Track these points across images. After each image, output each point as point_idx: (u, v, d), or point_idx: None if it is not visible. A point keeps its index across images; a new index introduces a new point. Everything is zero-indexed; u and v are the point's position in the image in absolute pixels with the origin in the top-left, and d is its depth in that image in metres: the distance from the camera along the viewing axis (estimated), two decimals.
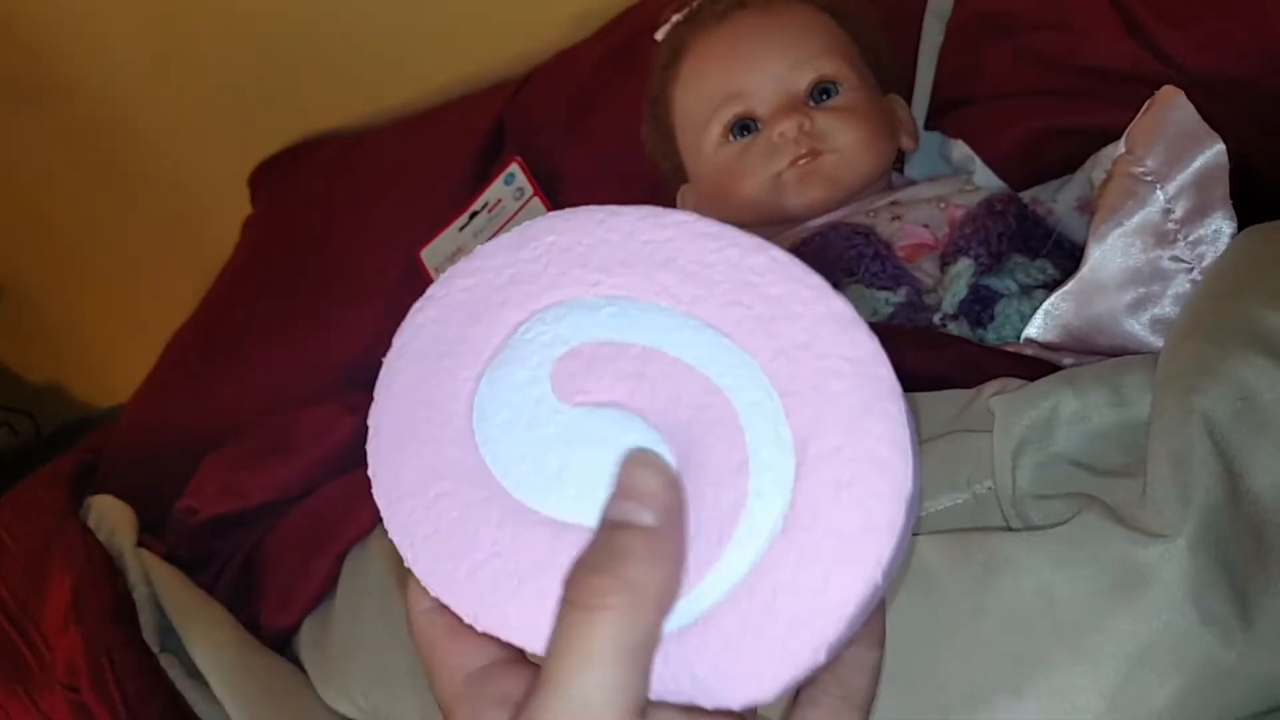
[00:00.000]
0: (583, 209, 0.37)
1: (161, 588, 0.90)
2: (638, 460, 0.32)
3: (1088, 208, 0.77)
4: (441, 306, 0.37)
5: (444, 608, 0.35)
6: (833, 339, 0.33)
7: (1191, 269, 0.59)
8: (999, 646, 0.47)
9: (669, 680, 0.33)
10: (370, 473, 0.36)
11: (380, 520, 0.77)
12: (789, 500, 0.32)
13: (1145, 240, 0.59)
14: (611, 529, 0.32)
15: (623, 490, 0.32)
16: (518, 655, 0.35)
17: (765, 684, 0.31)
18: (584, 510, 0.34)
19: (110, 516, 0.97)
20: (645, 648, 0.31)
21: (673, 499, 0.32)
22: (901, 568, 0.34)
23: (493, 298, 0.36)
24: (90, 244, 1.56)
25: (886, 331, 0.59)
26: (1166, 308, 0.59)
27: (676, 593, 0.32)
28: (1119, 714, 0.45)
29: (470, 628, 0.35)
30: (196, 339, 1.15)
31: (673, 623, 0.32)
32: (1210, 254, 0.58)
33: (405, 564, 0.35)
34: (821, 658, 0.31)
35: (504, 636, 0.34)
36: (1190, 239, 0.59)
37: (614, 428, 0.34)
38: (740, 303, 0.35)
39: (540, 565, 0.34)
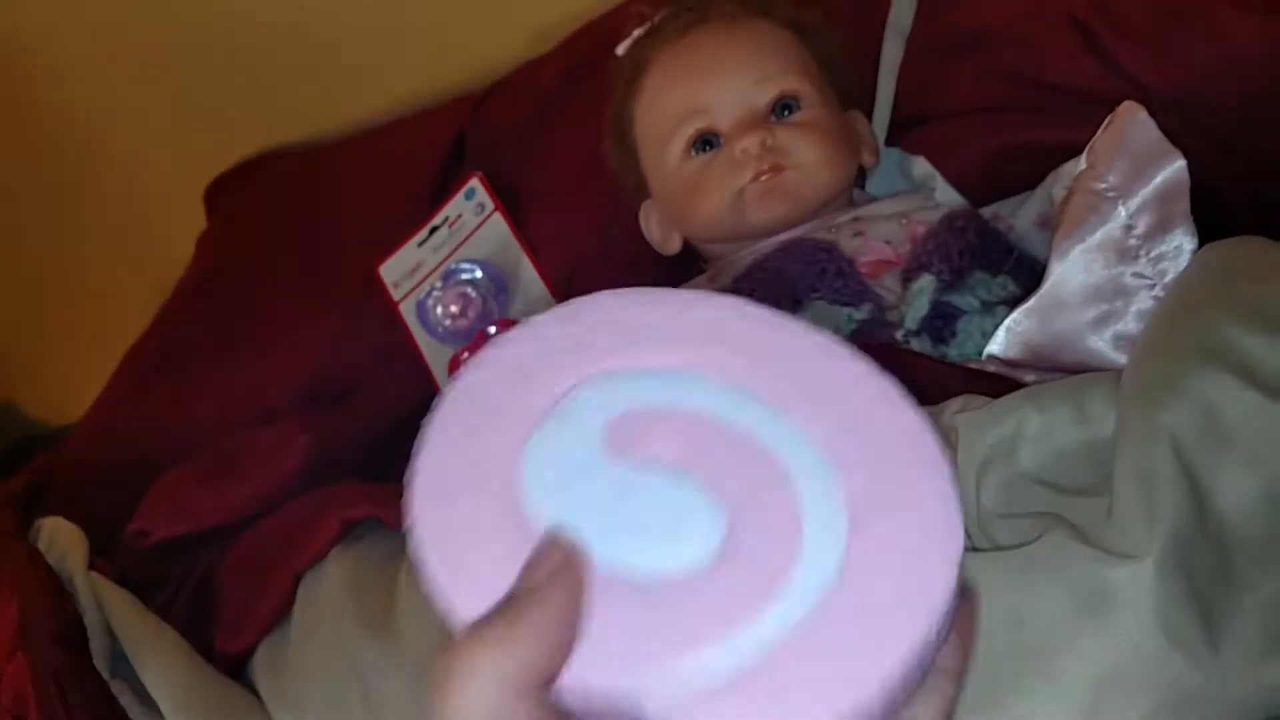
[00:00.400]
0: (633, 289, 0.38)
1: (113, 612, 0.88)
2: (552, 538, 0.33)
3: (1049, 224, 0.77)
4: (489, 370, 0.37)
5: None
6: (883, 413, 0.35)
7: (1154, 285, 0.59)
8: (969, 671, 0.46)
9: None
10: (408, 527, 0.35)
11: (335, 541, 0.77)
12: (841, 559, 0.33)
13: (1107, 256, 0.59)
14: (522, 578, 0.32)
15: (534, 560, 0.32)
16: None
17: None
18: (632, 557, 0.33)
19: (61, 539, 0.95)
20: (528, 687, 0.30)
21: (557, 564, 0.32)
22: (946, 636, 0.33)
23: (542, 363, 0.36)
24: (40, 259, 1.53)
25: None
26: (1129, 324, 0.58)
27: (536, 660, 0.31)
28: None
29: None
30: (150, 357, 1.13)
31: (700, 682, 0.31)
32: (1172, 270, 0.58)
33: (449, 614, 0.33)
34: None
35: None
36: (1152, 255, 0.59)
37: (665, 480, 0.34)
38: (791, 378, 0.36)
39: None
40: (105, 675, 0.85)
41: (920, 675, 0.32)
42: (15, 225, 1.49)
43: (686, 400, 0.36)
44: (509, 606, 0.31)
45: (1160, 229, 0.59)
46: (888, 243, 0.77)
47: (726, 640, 0.32)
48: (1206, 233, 0.60)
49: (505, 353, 0.37)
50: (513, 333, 0.37)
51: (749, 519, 0.34)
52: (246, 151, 1.29)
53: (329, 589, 0.74)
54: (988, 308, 0.71)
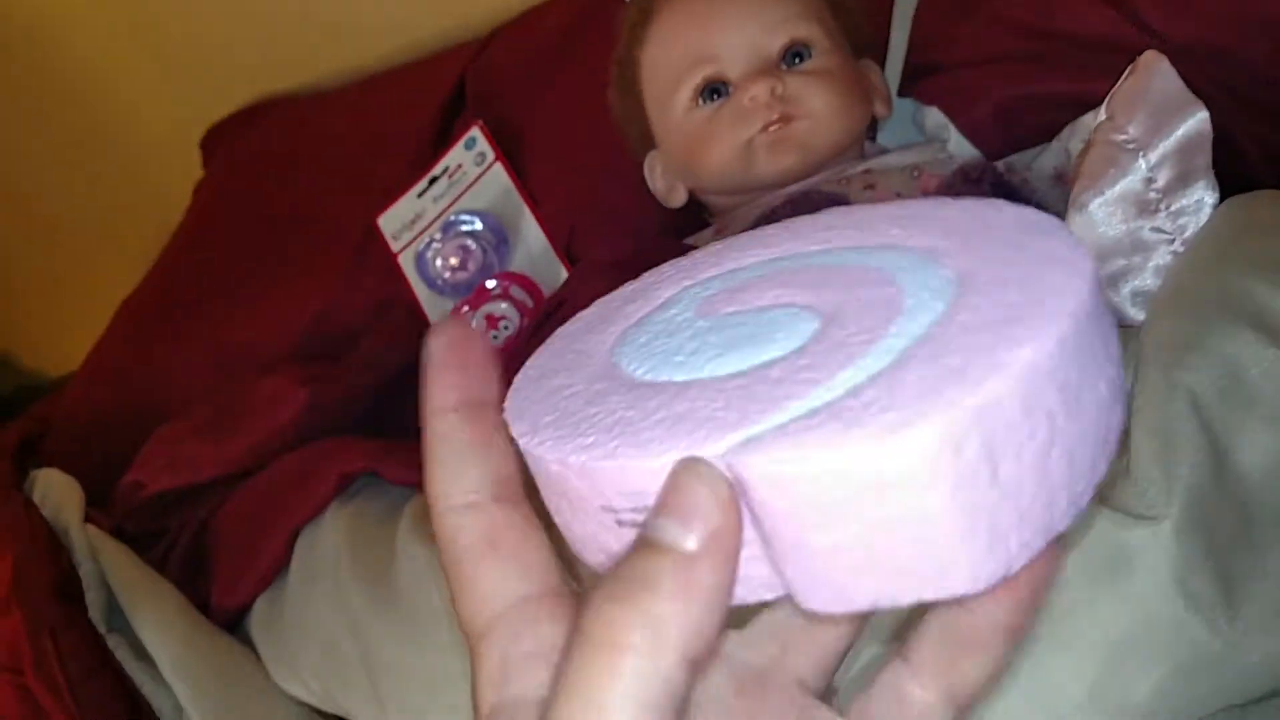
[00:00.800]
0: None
1: (109, 565, 0.87)
2: (690, 469, 0.26)
3: (1065, 178, 0.75)
4: (598, 306, 0.35)
5: (472, 507, 0.30)
6: (984, 213, 0.32)
7: (1173, 240, 0.57)
8: None
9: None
10: (504, 405, 0.32)
11: (333, 496, 0.75)
12: (952, 298, 0.29)
13: (1126, 210, 0.57)
14: (644, 549, 0.26)
15: (665, 504, 0.26)
16: (558, 587, 0.30)
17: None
18: (724, 364, 0.30)
19: (56, 491, 0.94)
20: (666, 701, 0.25)
21: (723, 521, 0.26)
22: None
23: (649, 289, 0.35)
24: (37, 208, 1.51)
25: None
26: (1147, 280, 0.57)
27: (709, 641, 0.26)
28: (1101, 704, 0.43)
29: (507, 543, 0.30)
30: (146, 307, 1.12)
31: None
32: (1192, 225, 0.57)
33: (521, 445, 0.31)
34: (999, 389, 0.25)
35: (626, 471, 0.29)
36: (1172, 209, 0.57)
37: (756, 311, 0.32)
38: (895, 225, 0.33)
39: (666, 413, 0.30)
40: (101, 629, 0.84)
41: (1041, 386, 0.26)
42: (11, 175, 1.47)
43: (775, 269, 0.34)
44: (678, 565, 0.26)
45: (1181, 182, 0.57)
46: (899, 196, 0.75)
47: (810, 394, 0.27)
48: (1226, 187, 0.58)
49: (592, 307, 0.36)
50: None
51: (846, 308, 0.30)
52: (244, 100, 1.27)
53: (327, 545, 0.73)
54: None
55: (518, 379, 0.33)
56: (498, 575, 0.30)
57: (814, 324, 0.30)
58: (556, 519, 0.31)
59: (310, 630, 0.73)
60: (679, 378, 0.30)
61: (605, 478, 0.28)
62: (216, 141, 1.26)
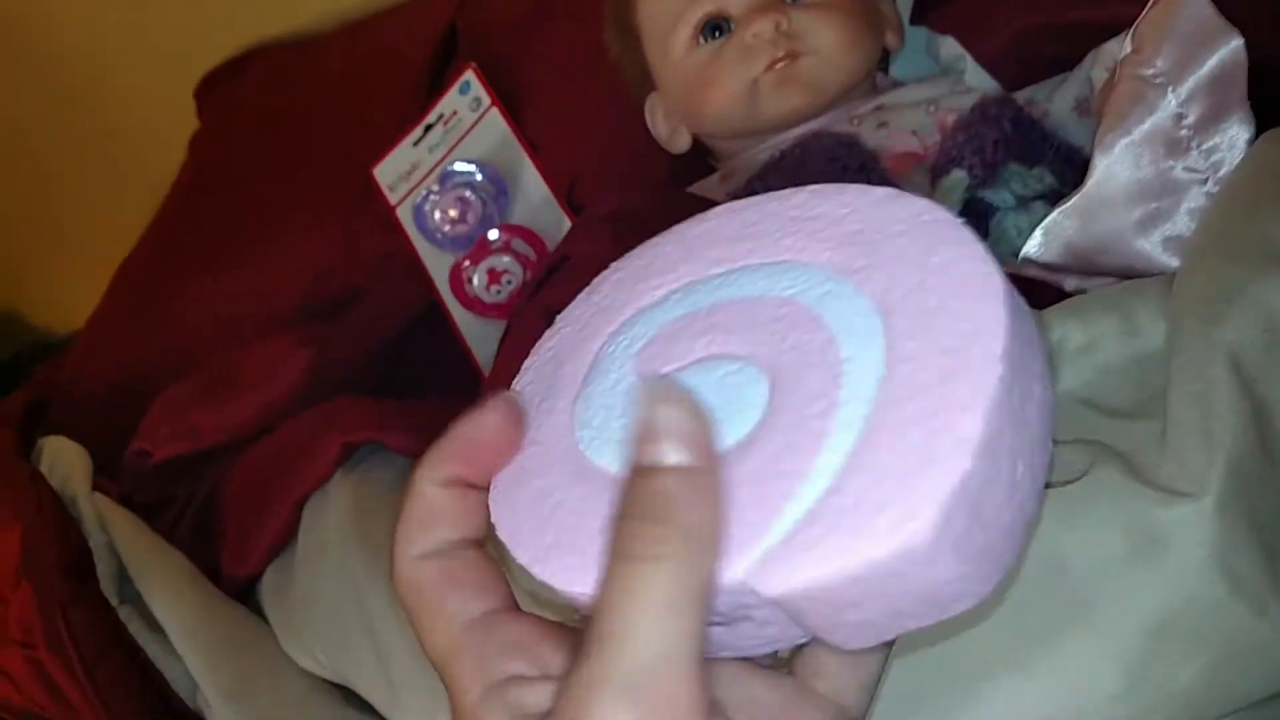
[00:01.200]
0: (640, 246, 0.40)
1: (118, 535, 0.86)
2: (658, 394, 0.30)
3: (1087, 109, 0.72)
4: (532, 371, 0.38)
5: (434, 555, 0.33)
6: (882, 214, 0.34)
7: (1206, 180, 0.53)
8: (1005, 620, 0.42)
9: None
10: (494, 522, 0.35)
11: (337, 465, 0.73)
12: (884, 346, 0.32)
13: (1155, 150, 0.53)
14: (647, 475, 0.29)
15: (648, 431, 0.29)
16: (514, 603, 0.33)
17: (919, 519, 0.29)
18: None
19: (63, 460, 0.92)
20: (705, 594, 0.29)
21: (701, 430, 0.30)
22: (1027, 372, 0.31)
23: (575, 339, 0.38)
24: (38, 166, 1.49)
25: None
26: (1180, 224, 0.53)
27: (723, 532, 0.30)
28: (1140, 694, 0.41)
29: (467, 577, 0.33)
30: (144, 268, 1.10)
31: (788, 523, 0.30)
32: (1227, 163, 0.53)
33: (534, 575, 0.33)
34: (967, 464, 0.28)
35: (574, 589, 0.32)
36: (1204, 147, 0.53)
37: (697, 375, 0.34)
38: (789, 234, 0.36)
39: None
40: (113, 601, 0.83)
41: (1001, 416, 0.29)
42: (15, 133, 1.45)
43: (700, 302, 0.36)
44: (659, 503, 0.29)
45: (1213, 118, 0.53)
46: (914, 134, 0.72)
47: (799, 492, 0.30)
48: (1262, 120, 0.54)
49: (541, 351, 0.38)
50: (548, 331, 0.39)
51: (785, 362, 0.33)
52: (237, 46, 1.23)
53: (332, 517, 0.72)
54: (1023, 203, 0.66)
55: (495, 489, 0.35)
56: (458, 600, 0.32)
57: (762, 386, 0.33)
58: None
59: (317, 605, 0.71)
60: None
61: None
62: (210, 90, 1.23)
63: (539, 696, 0.31)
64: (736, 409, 0.33)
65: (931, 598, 0.30)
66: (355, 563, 0.67)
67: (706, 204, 0.75)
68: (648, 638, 0.28)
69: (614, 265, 0.39)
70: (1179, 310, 0.47)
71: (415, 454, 0.73)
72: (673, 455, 0.29)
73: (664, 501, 0.29)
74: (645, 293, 0.37)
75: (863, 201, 0.35)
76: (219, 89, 1.21)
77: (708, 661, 0.29)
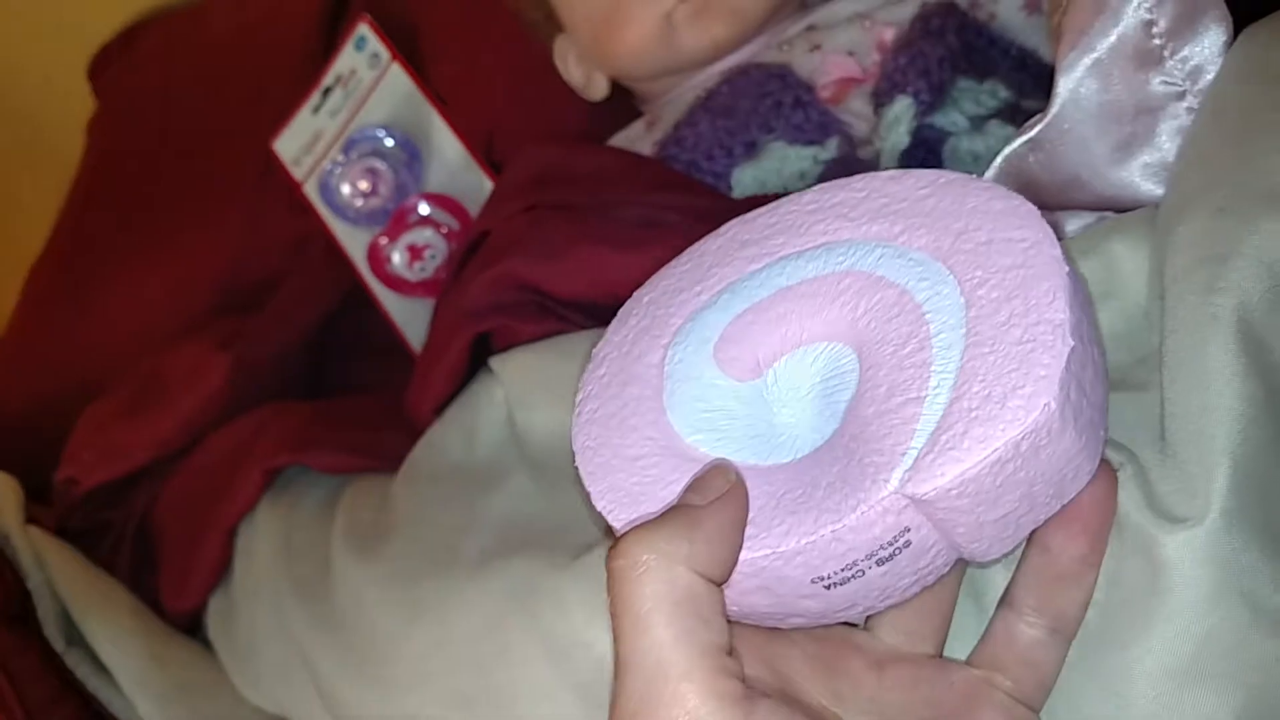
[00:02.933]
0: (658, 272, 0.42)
1: (56, 573, 0.80)
2: (708, 473, 0.36)
3: (1037, 5, 0.64)
4: (592, 399, 0.40)
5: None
6: (900, 186, 0.38)
7: (1184, 93, 0.46)
8: None
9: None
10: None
11: (261, 491, 0.68)
12: (954, 280, 0.35)
13: (1124, 65, 0.46)
14: (666, 513, 0.35)
15: (689, 487, 0.36)
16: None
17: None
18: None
19: None
20: (691, 598, 0.32)
21: (726, 489, 0.35)
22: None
23: (626, 362, 0.40)
24: None
25: None
26: (1161, 148, 0.47)
27: (714, 561, 0.33)
28: None
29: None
30: (52, 274, 1.02)
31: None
32: (1206, 71, 0.46)
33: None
34: (1071, 342, 0.33)
35: None
36: (1180, 55, 0.46)
37: (790, 367, 0.38)
38: (817, 221, 0.39)
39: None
40: (58, 647, 0.77)
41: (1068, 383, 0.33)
42: None
43: (765, 290, 0.38)
44: (685, 512, 0.34)
45: (1187, 21, 0.46)
46: (850, 54, 0.64)
47: (924, 413, 0.34)
48: (1238, 19, 0.47)
49: (595, 375, 0.40)
50: (591, 365, 0.41)
51: (873, 339, 0.36)
52: (127, 18, 1.14)
53: (263, 550, 0.66)
54: (977, 124, 0.59)
55: (607, 471, 0.37)
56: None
57: (851, 357, 0.36)
58: (737, 609, 0.35)
59: (259, 640, 0.66)
60: (785, 458, 0.36)
61: (819, 551, 0.33)
62: (103, 69, 1.13)
63: None
64: (835, 385, 0.36)
65: (1058, 476, 0.33)
66: (287, 601, 0.62)
67: (631, 158, 0.69)
68: (647, 650, 0.32)
69: (638, 293, 0.42)
70: (1168, 274, 0.40)
71: (340, 471, 0.68)
72: (691, 499, 0.35)
73: (652, 528, 0.33)
74: (688, 301, 0.40)
75: (876, 181, 0.39)
76: (112, 66, 1.12)
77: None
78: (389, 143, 0.82)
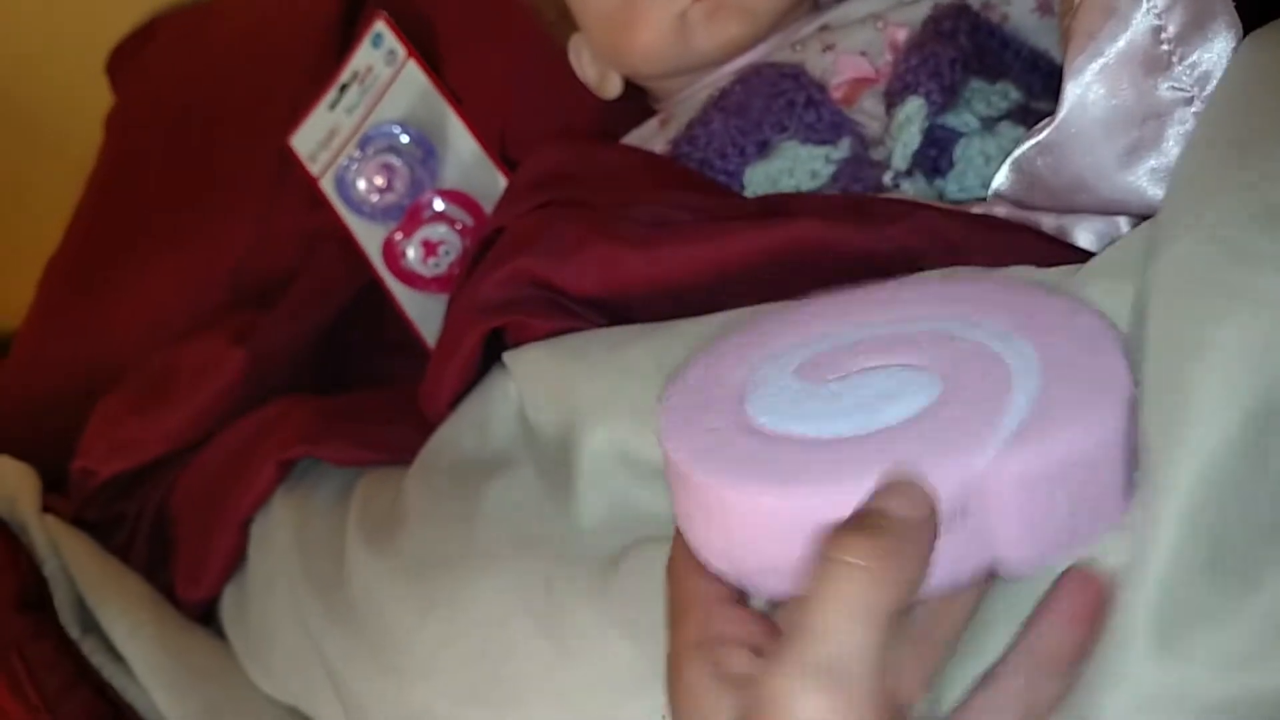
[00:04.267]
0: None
1: (72, 562, 0.81)
2: (905, 477, 0.35)
3: (1049, 6, 0.65)
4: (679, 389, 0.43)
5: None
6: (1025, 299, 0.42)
7: (1192, 99, 0.47)
8: None
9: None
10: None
11: (276, 483, 0.68)
12: (1033, 348, 0.39)
13: (1133, 71, 0.47)
14: (872, 511, 0.34)
15: (890, 487, 0.35)
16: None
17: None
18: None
19: (9, 482, 0.87)
20: (891, 615, 0.33)
21: (929, 515, 0.34)
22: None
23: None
24: None
25: (829, 209, 0.48)
26: (1168, 153, 0.47)
27: (915, 588, 0.34)
28: None
29: None
30: (71, 267, 1.03)
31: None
32: (1215, 77, 0.46)
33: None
34: (1131, 387, 0.37)
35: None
36: (1188, 61, 0.47)
37: (867, 374, 0.40)
38: (881, 309, 0.44)
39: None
40: (74, 634, 0.78)
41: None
42: None
43: (830, 345, 0.42)
44: (870, 527, 0.34)
45: (1196, 26, 0.46)
46: (863, 54, 0.64)
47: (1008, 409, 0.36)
48: (1251, 21, 0.47)
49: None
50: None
51: (949, 361, 0.39)
52: (146, 11, 1.14)
53: (278, 541, 0.67)
54: (988, 125, 0.59)
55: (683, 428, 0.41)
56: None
57: (932, 376, 0.39)
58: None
59: (274, 631, 0.66)
60: (872, 426, 0.38)
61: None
62: (121, 63, 1.14)
63: (741, 663, 0.37)
64: (911, 390, 0.38)
65: (1098, 507, 0.36)
66: (302, 595, 0.62)
67: (644, 156, 0.69)
68: (841, 635, 0.32)
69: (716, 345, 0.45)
70: (1161, 307, 0.39)
71: (353, 464, 0.69)
72: (903, 509, 0.34)
73: (876, 528, 0.33)
74: (759, 363, 0.42)
75: (930, 283, 0.45)
76: (130, 61, 1.13)
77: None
78: (404, 139, 0.82)
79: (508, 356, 0.59)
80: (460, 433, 0.60)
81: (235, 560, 0.72)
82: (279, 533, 0.66)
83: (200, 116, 0.98)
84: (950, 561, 0.36)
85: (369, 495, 0.62)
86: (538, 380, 0.57)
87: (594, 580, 0.49)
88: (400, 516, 0.58)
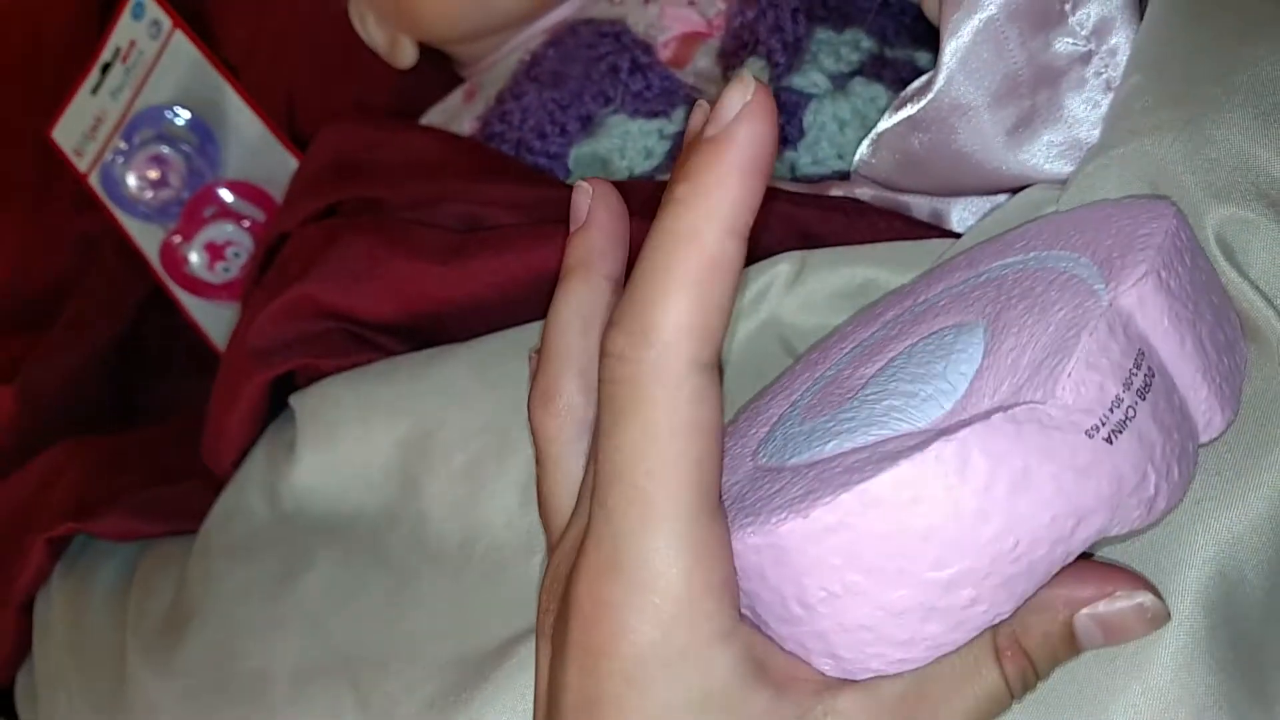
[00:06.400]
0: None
1: None
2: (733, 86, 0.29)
3: None
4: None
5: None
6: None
7: (1090, 53, 0.38)
8: None
9: None
10: None
11: (49, 564, 0.58)
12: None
13: (1020, 27, 0.38)
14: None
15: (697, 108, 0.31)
16: None
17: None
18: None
19: None
20: (725, 265, 0.29)
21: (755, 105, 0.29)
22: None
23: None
24: None
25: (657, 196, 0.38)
26: (1068, 122, 0.38)
27: (748, 213, 0.29)
28: None
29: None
30: None
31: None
32: (1120, 31, 0.38)
33: None
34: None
35: None
36: (1083, 9, 0.38)
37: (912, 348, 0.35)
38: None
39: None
40: None
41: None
42: None
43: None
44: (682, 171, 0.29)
45: None
46: (691, 3, 0.54)
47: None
48: None
49: None
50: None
51: (998, 306, 0.33)
52: None
53: (57, 637, 0.56)
54: (839, 83, 0.50)
55: None
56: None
57: (979, 330, 0.32)
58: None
59: None
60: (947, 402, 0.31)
61: (1074, 393, 0.29)
62: None
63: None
64: (961, 348, 0.32)
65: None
66: (79, 707, 0.52)
67: (449, 140, 0.59)
68: (662, 315, 0.28)
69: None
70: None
71: (130, 538, 0.58)
72: (711, 129, 0.29)
73: (685, 176, 0.29)
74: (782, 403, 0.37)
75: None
76: None
77: None
78: (179, 123, 0.70)
79: (295, 400, 0.49)
80: (246, 499, 0.49)
81: (21, 647, 0.61)
82: (58, 627, 0.56)
83: None
84: (1172, 428, 0.30)
85: (149, 585, 0.52)
86: (329, 415, 0.47)
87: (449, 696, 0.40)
88: (183, 618, 0.47)
